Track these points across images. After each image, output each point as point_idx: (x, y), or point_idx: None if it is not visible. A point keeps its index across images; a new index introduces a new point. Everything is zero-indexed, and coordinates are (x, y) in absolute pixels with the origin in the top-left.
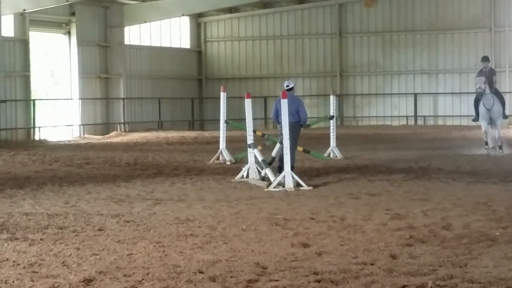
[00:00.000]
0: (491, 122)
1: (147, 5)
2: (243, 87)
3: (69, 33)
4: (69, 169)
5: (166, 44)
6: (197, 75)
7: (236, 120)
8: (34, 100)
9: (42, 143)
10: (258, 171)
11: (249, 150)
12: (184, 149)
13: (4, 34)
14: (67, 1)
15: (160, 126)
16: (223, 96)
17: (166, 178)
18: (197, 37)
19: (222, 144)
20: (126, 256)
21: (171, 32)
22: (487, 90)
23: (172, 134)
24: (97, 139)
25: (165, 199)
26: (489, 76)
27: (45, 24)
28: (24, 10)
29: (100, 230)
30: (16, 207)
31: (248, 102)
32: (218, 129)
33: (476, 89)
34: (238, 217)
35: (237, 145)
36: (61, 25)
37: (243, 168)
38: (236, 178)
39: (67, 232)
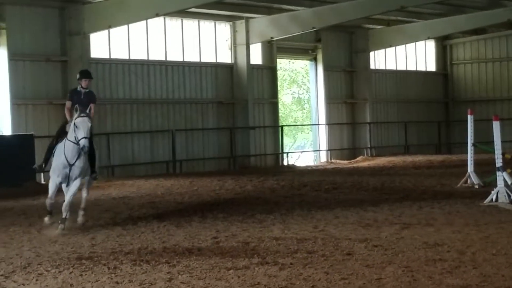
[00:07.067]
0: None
1: (392, 29)
2: (490, 109)
3: (315, 59)
4: (317, 193)
5: (411, 67)
6: (443, 98)
7: (483, 143)
8: (282, 126)
9: (290, 168)
10: (508, 194)
11: (498, 173)
12: (431, 173)
13: (252, 62)
14: (313, 28)
15: (406, 150)
16: (470, 118)
17: (414, 202)
18: (442, 59)
19: (470, 168)
20: (375, 280)
21: (416, 55)
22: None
23: (419, 158)
24: (343, 163)
25: (413, 224)
26: (86, 102)
27: (291, 51)
28: (271, 38)
29: (348, 254)
30: (266, 231)
31: (496, 125)
32: (466, 152)
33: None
34: (487, 242)
35: (485, 168)
36: (307, 52)
37: (492, 192)
38: (485, 202)
39: (316, 256)
